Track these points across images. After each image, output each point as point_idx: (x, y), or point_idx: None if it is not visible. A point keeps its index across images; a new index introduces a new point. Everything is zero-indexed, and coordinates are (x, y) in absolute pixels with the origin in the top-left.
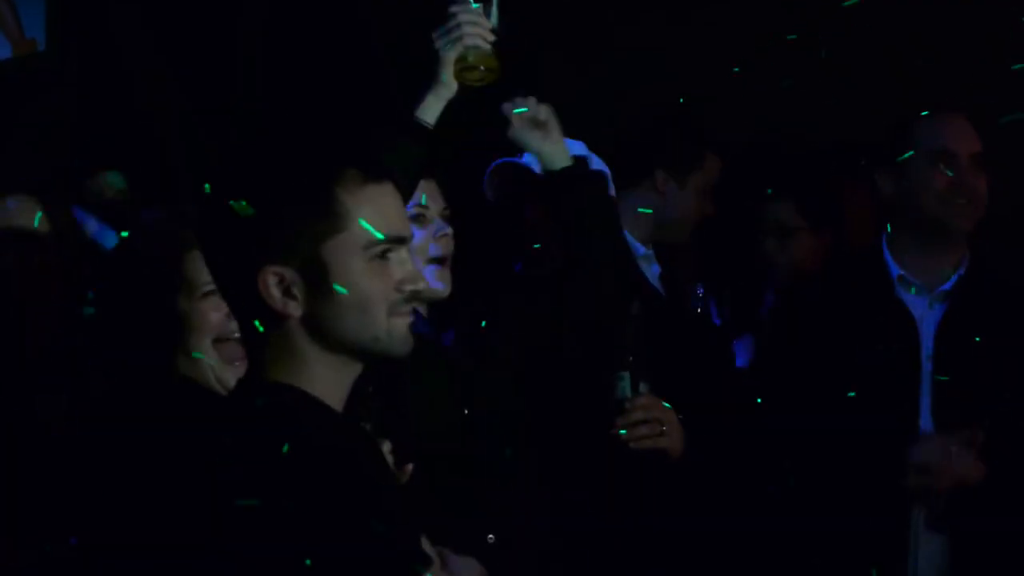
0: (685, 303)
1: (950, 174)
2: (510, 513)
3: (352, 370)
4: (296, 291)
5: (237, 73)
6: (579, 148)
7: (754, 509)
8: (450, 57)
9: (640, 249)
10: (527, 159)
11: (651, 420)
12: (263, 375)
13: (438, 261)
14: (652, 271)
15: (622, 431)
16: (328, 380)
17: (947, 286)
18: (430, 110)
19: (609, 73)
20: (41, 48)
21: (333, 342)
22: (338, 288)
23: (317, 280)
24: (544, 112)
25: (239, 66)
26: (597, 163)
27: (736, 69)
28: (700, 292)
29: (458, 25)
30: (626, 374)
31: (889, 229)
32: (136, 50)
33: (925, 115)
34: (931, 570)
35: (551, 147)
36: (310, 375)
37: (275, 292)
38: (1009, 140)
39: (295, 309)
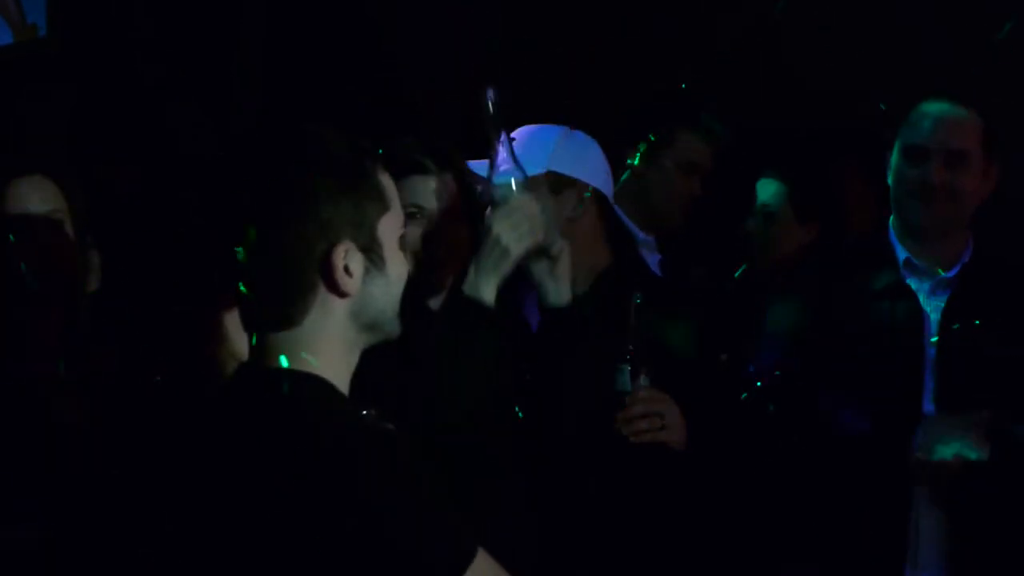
0: (686, 290)
1: (921, 171)
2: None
3: (358, 353)
4: (354, 269)
5: (240, 58)
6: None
7: (755, 494)
8: (520, 252)
9: (640, 235)
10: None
11: (652, 414)
12: (275, 362)
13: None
14: (652, 259)
15: (623, 425)
16: (343, 365)
17: (951, 273)
18: (487, 288)
19: (602, 61)
20: (42, 33)
21: (366, 322)
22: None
23: (375, 258)
24: (557, 247)
25: (242, 51)
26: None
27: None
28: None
29: (525, 221)
30: (626, 366)
31: (893, 214)
32: (139, 36)
33: (922, 104)
34: (931, 548)
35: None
36: (328, 360)
37: (346, 268)
38: (1011, 122)
39: (352, 288)
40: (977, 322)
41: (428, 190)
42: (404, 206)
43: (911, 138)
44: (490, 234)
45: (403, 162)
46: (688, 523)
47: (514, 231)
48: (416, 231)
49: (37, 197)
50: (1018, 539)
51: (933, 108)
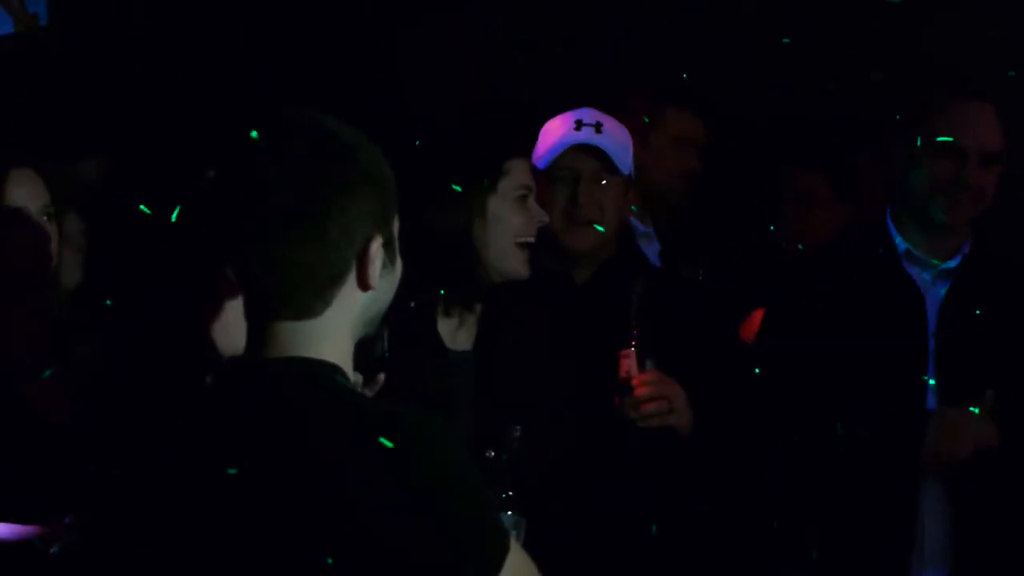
0: (687, 278)
1: (954, 169)
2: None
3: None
4: (377, 263)
5: (239, 55)
6: None
7: (759, 487)
8: None
9: (640, 227)
10: None
11: (658, 398)
12: (288, 351)
13: (526, 245)
14: (652, 248)
15: (630, 410)
16: (349, 359)
17: (951, 264)
18: None
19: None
20: (43, 23)
21: (371, 317)
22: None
23: (391, 255)
24: None
25: (241, 48)
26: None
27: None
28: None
29: None
30: (631, 352)
31: (894, 205)
32: (141, 27)
33: (945, 100)
34: (937, 544)
35: None
36: (339, 354)
37: (375, 259)
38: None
39: (375, 282)
40: (978, 312)
41: (529, 170)
42: (516, 187)
43: (946, 134)
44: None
45: (507, 144)
46: (694, 509)
47: None
48: (534, 206)
49: (31, 192)
50: (1013, 529)
51: (969, 104)
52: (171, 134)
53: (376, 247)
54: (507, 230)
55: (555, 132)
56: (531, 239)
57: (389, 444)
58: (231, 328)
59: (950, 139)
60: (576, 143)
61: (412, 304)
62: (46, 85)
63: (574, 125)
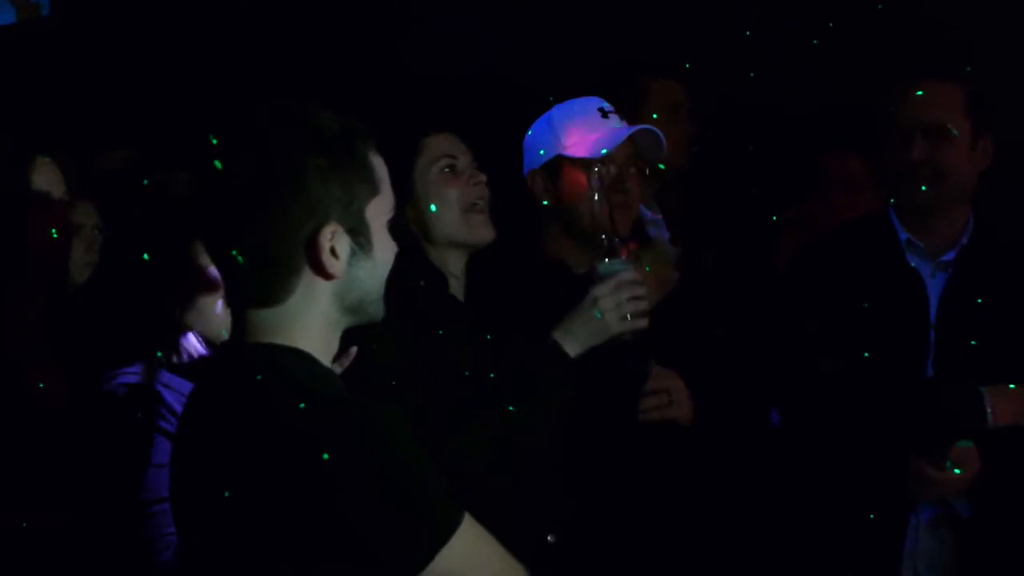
0: (695, 266)
1: (904, 151)
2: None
3: (339, 335)
4: (340, 251)
5: (241, 40)
6: None
7: (756, 485)
8: (618, 332)
9: (648, 214)
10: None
11: (658, 390)
12: (257, 338)
13: (476, 208)
14: (662, 236)
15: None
16: (323, 345)
17: (951, 255)
18: (573, 350)
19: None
20: (45, 12)
21: (350, 304)
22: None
23: (362, 241)
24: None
25: (244, 36)
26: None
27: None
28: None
29: (630, 303)
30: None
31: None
32: (142, 17)
33: (899, 85)
34: (932, 555)
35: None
36: (309, 339)
37: (332, 250)
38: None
39: (337, 270)
40: (978, 305)
41: (455, 142)
42: (435, 160)
43: (891, 117)
44: (594, 305)
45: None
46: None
47: (617, 310)
48: (467, 169)
49: (51, 180)
50: (1015, 552)
51: (915, 85)
52: (172, 125)
53: (327, 235)
54: (443, 204)
55: (595, 123)
56: (479, 201)
57: (338, 425)
58: (211, 319)
59: (894, 120)
60: (629, 132)
61: (422, 283)
62: (48, 75)
63: (599, 114)
